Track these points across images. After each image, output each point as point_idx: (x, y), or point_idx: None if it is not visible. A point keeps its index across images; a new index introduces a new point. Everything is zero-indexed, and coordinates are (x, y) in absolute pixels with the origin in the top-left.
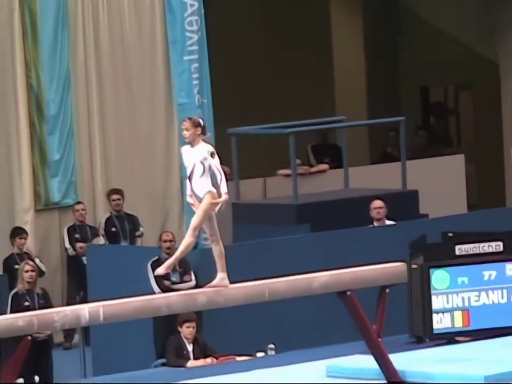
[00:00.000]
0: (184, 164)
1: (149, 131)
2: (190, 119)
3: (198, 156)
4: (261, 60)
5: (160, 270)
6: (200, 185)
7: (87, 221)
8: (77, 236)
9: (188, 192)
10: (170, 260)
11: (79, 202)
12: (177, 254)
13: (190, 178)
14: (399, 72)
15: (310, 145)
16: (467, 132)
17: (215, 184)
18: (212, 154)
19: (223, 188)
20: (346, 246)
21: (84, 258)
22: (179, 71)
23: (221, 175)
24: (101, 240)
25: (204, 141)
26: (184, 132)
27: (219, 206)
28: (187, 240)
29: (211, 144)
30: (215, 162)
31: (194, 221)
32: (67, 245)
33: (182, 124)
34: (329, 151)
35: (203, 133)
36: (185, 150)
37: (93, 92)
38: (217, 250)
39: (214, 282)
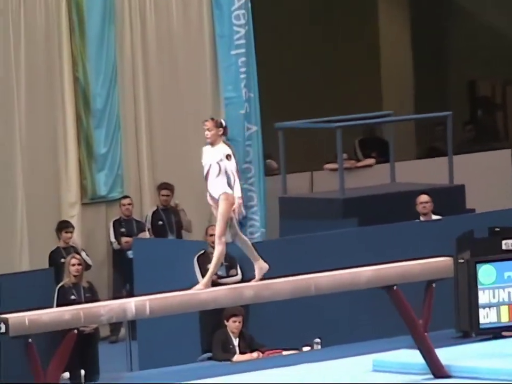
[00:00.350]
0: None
1: (196, 125)
2: (212, 119)
3: (215, 157)
4: (308, 53)
5: (199, 287)
6: (216, 186)
7: (133, 215)
8: (123, 230)
9: (208, 193)
10: (208, 276)
11: (125, 197)
12: (212, 267)
13: (206, 178)
14: (447, 66)
15: (358, 139)
16: None
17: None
18: (227, 157)
19: (237, 191)
20: (392, 241)
21: (129, 252)
22: (226, 65)
23: (234, 178)
24: (147, 234)
25: (224, 142)
26: (206, 132)
27: (233, 210)
28: (217, 249)
29: (230, 147)
30: (231, 165)
31: (217, 229)
32: (112, 238)
33: (204, 123)
34: (376, 145)
35: (224, 133)
36: (206, 150)
37: (139, 86)
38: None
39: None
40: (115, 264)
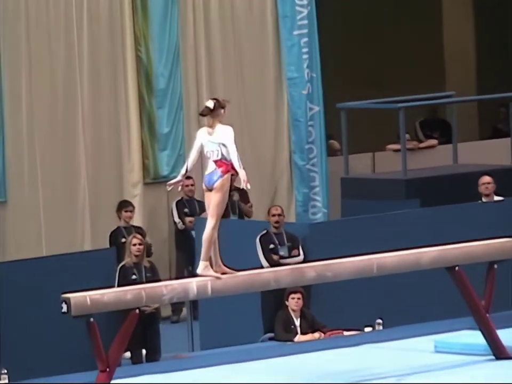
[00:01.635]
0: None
1: (259, 105)
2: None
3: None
4: (370, 34)
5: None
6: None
7: (196, 195)
8: (186, 210)
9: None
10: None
11: (188, 177)
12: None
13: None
14: (510, 46)
15: (419, 121)
16: None
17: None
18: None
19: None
20: (454, 222)
21: (193, 232)
22: (289, 46)
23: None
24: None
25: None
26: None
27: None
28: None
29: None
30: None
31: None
32: (176, 219)
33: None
34: (438, 126)
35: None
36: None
37: (202, 66)
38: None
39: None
40: (179, 244)
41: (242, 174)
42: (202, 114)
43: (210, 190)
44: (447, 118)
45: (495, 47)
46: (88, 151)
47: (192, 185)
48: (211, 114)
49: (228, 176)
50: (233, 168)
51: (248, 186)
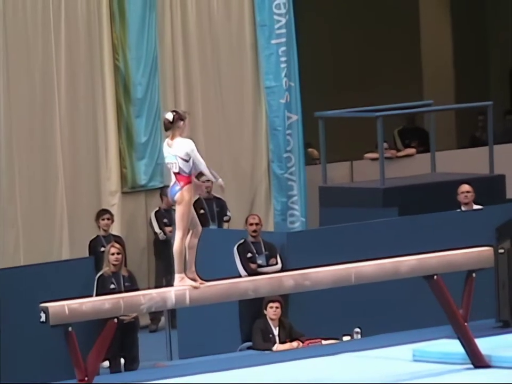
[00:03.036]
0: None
1: (237, 114)
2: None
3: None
4: (348, 43)
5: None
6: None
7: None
8: (165, 220)
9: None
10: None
11: (166, 186)
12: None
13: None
14: (488, 56)
15: (397, 129)
16: None
17: None
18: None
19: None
20: (433, 230)
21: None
22: (267, 54)
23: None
24: None
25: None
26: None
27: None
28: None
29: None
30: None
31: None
32: (157, 229)
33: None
34: (416, 135)
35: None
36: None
37: (180, 75)
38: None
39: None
40: (157, 253)
41: (221, 183)
42: (165, 129)
43: (174, 202)
44: (425, 127)
45: (473, 56)
46: (65, 160)
47: None
48: (171, 127)
49: (187, 187)
50: (198, 176)
51: (220, 181)
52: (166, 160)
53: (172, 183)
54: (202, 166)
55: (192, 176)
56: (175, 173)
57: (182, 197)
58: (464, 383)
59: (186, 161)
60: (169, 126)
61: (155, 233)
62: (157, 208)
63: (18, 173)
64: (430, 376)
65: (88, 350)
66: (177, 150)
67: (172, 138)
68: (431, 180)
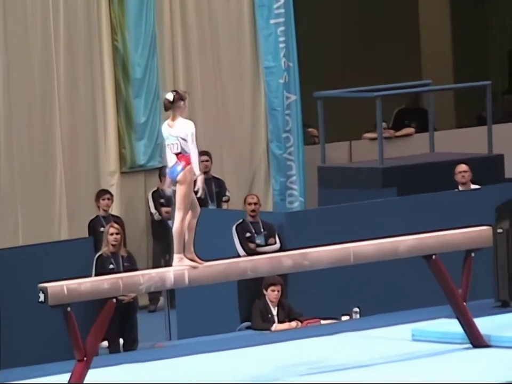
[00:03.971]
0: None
1: (236, 94)
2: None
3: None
4: (347, 23)
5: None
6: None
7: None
8: (162, 200)
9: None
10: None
11: (166, 167)
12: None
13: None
14: (486, 35)
15: (397, 109)
16: None
17: None
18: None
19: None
20: (431, 210)
21: (170, 222)
22: (266, 35)
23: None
24: None
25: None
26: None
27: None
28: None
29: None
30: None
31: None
32: (153, 210)
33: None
34: (417, 115)
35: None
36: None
37: (178, 55)
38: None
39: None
40: (155, 234)
41: (200, 179)
42: (165, 109)
43: (175, 183)
44: (424, 107)
45: (471, 36)
46: (64, 141)
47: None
48: (171, 107)
49: (189, 168)
50: None
51: (202, 195)
52: (166, 141)
53: (172, 164)
54: (195, 159)
55: None
56: (176, 154)
57: (184, 177)
58: (463, 362)
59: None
60: (169, 106)
61: (151, 213)
62: (155, 188)
63: (17, 154)
64: (429, 356)
65: (87, 330)
66: (178, 131)
67: (173, 119)
68: (429, 159)
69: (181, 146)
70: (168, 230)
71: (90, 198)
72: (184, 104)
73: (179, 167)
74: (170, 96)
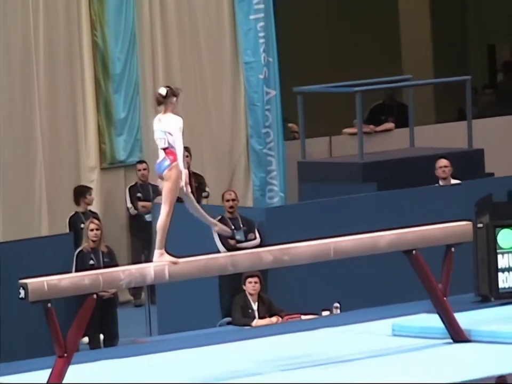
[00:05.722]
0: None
1: (215, 89)
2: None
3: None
4: (327, 18)
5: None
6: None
7: (151, 179)
8: (139, 195)
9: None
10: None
11: (141, 162)
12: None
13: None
14: (466, 30)
15: (373, 105)
16: None
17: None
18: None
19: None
20: (412, 205)
21: (147, 216)
22: (245, 30)
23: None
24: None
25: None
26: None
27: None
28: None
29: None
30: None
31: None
32: (128, 204)
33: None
34: (393, 110)
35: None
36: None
37: (158, 50)
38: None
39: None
40: (133, 229)
41: (184, 174)
42: (157, 103)
43: (161, 178)
44: (404, 102)
45: (451, 31)
46: (44, 136)
47: (145, 169)
48: (163, 102)
49: (176, 164)
50: None
51: (188, 190)
52: (155, 135)
53: (159, 159)
54: (180, 154)
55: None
56: (163, 149)
57: (169, 173)
58: (444, 357)
59: None
60: (161, 101)
61: (127, 208)
62: (133, 183)
63: None
64: (410, 350)
65: (68, 326)
66: (166, 126)
67: (164, 113)
68: (409, 154)
69: (168, 141)
70: (145, 225)
71: (70, 193)
72: (176, 100)
73: (166, 163)
74: (163, 91)
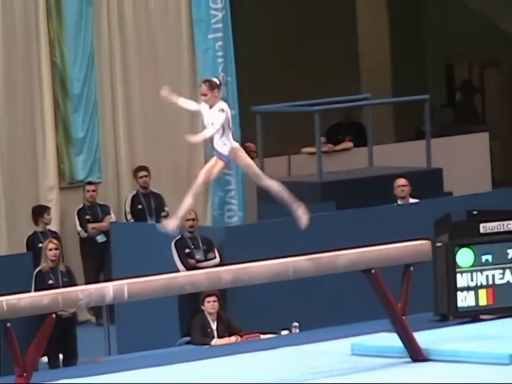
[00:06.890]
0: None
1: (174, 109)
2: (205, 82)
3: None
4: (285, 37)
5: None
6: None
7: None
8: (88, 217)
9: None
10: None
11: (89, 183)
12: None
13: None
14: (425, 49)
15: (330, 124)
16: (492, 109)
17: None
18: (221, 110)
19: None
20: (370, 224)
21: (98, 238)
22: (203, 49)
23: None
24: (113, 218)
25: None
26: (203, 97)
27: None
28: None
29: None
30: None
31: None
32: (78, 228)
33: (200, 87)
34: (350, 130)
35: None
36: (205, 109)
37: (117, 70)
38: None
39: None
40: (84, 252)
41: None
42: (208, 90)
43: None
44: (362, 121)
45: (410, 50)
46: (3, 156)
47: (94, 191)
48: (210, 92)
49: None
50: None
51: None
52: (205, 119)
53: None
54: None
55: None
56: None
57: (234, 150)
58: (403, 376)
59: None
60: (207, 92)
61: (77, 232)
62: (81, 206)
63: None
64: (369, 370)
65: (27, 345)
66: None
67: (208, 102)
68: (368, 173)
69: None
70: (98, 246)
71: (29, 213)
72: (219, 92)
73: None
74: (216, 80)
